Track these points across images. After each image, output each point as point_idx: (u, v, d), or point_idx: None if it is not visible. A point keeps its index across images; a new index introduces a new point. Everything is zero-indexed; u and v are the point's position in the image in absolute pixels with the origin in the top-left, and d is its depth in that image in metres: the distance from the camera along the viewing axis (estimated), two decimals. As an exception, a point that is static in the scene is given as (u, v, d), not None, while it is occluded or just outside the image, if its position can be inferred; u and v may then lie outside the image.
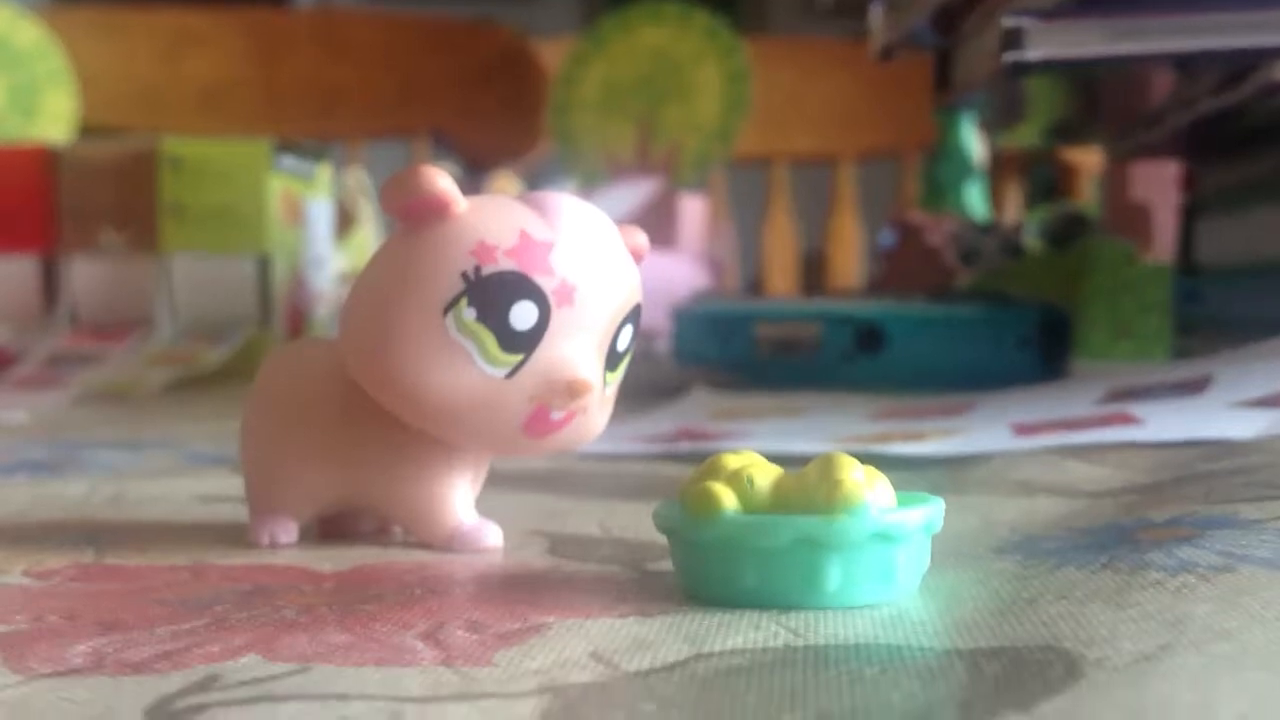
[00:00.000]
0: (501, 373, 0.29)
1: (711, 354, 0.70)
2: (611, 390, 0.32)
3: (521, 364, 0.30)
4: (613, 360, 0.31)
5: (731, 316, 0.71)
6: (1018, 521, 0.33)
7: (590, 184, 1.15)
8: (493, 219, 0.30)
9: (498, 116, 1.42)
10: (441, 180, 0.29)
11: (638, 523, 0.34)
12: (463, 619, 0.25)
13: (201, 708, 0.20)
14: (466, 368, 0.29)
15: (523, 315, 0.29)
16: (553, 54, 1.34)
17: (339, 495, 0.32)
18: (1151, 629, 0.22)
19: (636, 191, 1.11)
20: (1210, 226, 0.70)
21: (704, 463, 0.27)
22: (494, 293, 0.29)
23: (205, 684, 0.21)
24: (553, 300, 0.29)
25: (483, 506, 0.33)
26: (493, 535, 0.32)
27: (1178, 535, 0.29)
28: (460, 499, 0.32)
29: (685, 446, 0.47)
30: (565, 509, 0.37)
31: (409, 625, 0.25)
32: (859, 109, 1.49)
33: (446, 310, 0.29)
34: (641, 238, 0.32)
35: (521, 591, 0.28)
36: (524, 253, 0.29)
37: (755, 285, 1.51)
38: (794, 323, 0.69)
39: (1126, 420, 0.45)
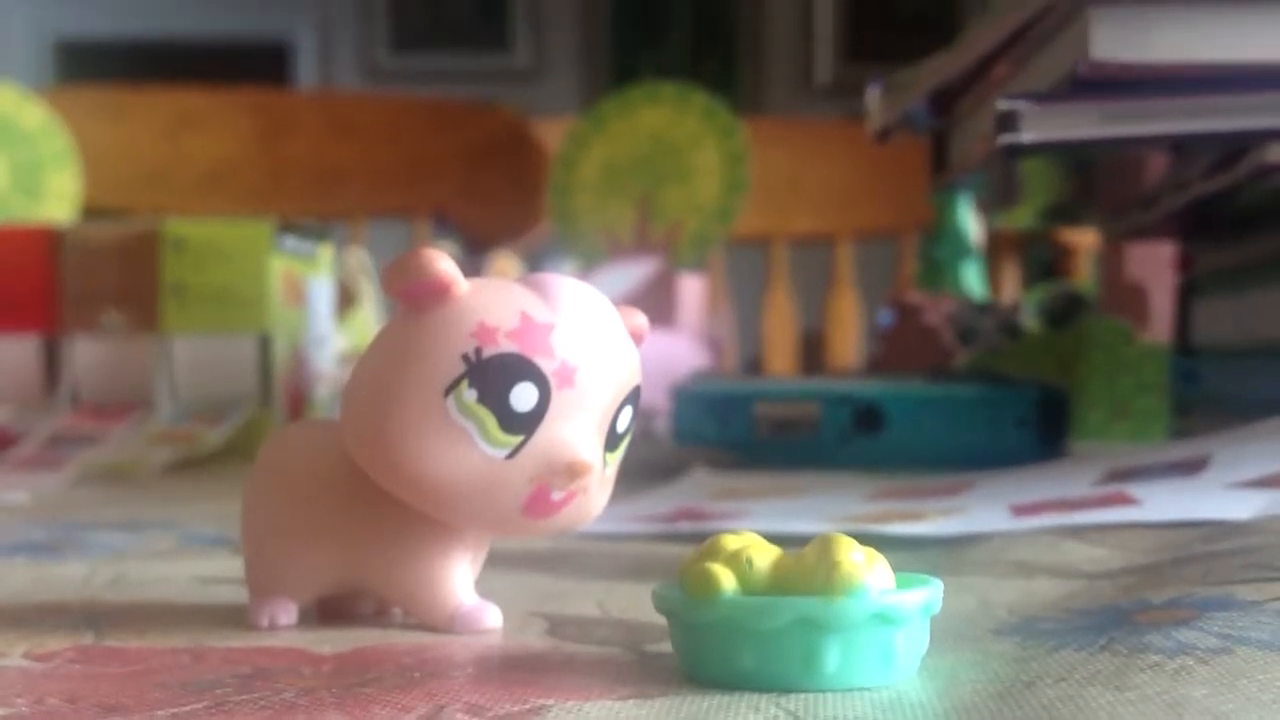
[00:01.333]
0: (502, 454, 0.30)
1: (711, 434, 0.70)
2: (611, 471, 0.32)
3: (522, 445, 0.30)
4: (612, 441, 0.31)
5: (731, 396, 0.71)
6: (1016, 603, 0.33)
7: (590, 264, 1.16)
8: (494, 301, 0.30)
9: (499, 197, 1.43)
10: (443, 263, 0.29)
11: (637, 603, 0.34)
12: (462, 701, 0.25)
13: (201, 791, 0.20)
14: (467, 449, 0.29)
15: (523, 397, 0.29)
16: (553, 135, 1.35)
17: (339, 576, 0.33)
18: (1150, 712, 0.22)
19: (636, 271, 1.12)
20: (1207, 307, 0.70)
21: (703, 543, 0.27)
22: (495, 374, 0.29)
23: (205, 767, 0.21)
24: (553, 382, 0.30)
25: (482, 587, 0.33)
26: (492, 616, 0.32)
27: (1176, 617, 0.29)
28: (460, 580, 0.32)
29: (684, 526, 0.47)
30: (564, 589, 0.37)
31: (408, 708, 0.25)
32: (857, 189, 1.50)
33: (447, 392, 0.29)
34: (641, 319, 0.33)
35: (521, 673, 0.28)
36: (525, 335, 0.29)
37: (754, 365, 1.52)
38: (793, 403, 0.69)
39: (1125, 501, 0.45)
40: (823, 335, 1.54)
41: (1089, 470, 0.52)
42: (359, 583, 0.33)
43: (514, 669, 0.28)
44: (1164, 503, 0.44)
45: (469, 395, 0.29)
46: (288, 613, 0.33)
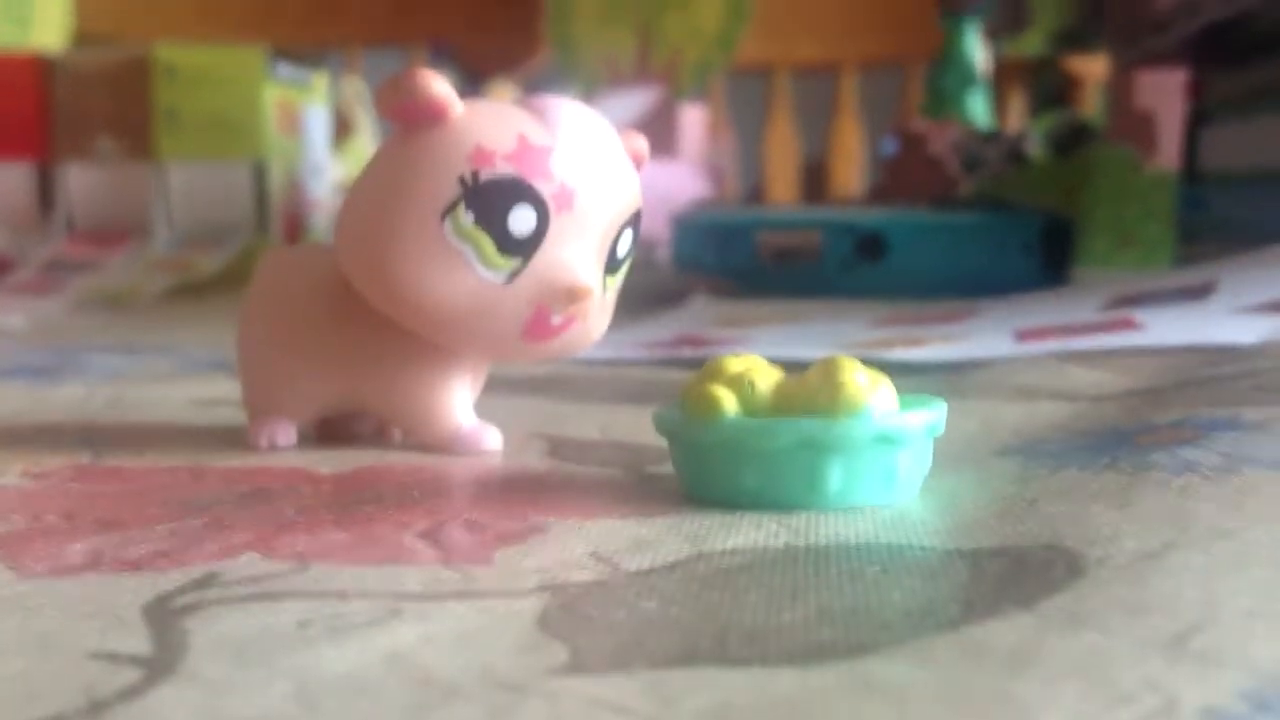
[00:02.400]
0: (500, 277, 0.29)
1: (712, 262, 0.70)
2: (611, 295, 0.32)
3: (520, 269, 0.29)
4: (612, 265, 0.31)
5: (732, 225, 0.70)
6: (1019, 425, 0.33)
7: (590, 93, 1.14)
8: (490, 123, 0.29)
9: (497, 24, 1.40)
10: (438, 84, 0.29)
11: (638, 427, 0.34)
12: (462, 519, 0.25)
13: (200, 605, 0.20)
14: (465, 272, 0.29)
15: (521, 220, 0.29)
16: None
17: (337, 398, 0.32)
18: (1154, 528, 0.22)
19: (637, 100, 1.10)
20: (1215, 134, 0.69)
21: (705, 366, 0.27)
22: (492, 197, 0.29)
23: (204, 582, 0.21)
24: (552, 205, 0.29)
25: (483, 410, 0.33)
26: (492, 438, 0.32)
27: (1181, 437, 0.29)
28: (459, 402, 0.32)
29: (686, 352, 0.47)
30: (565, 413, 0.37)
31: (408, 525, 0.25)
32: (862, 16, 1.47)
33: (444, 215, 0.29)
34: (642, 143, 0.32)
35: (521, 493, 0.27)
36: (522, 157, 0.29)
37: (756, 194, 1.51)
38: (795, 231, 0.68)
39: (1129, 325, 0.45)
40: (825, 164, 1.52)
41: (1094, 296, 0.52)
42: (357, 404, 0.33)
43: (514, 488, 0.28)
44: (1169, 327, 0.43)
45: (466, 218, 0.29)
46: (286, 433, 0.32)
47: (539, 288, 0.29)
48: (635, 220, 0.31)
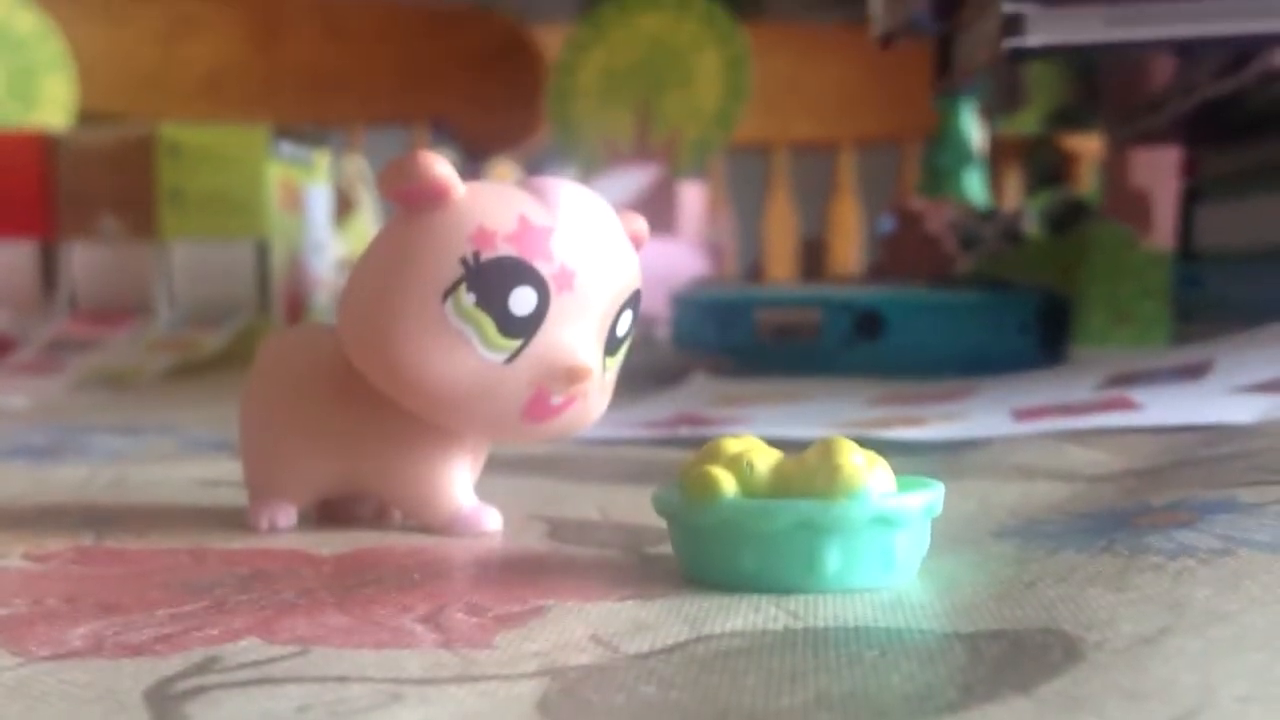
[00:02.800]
0: (501, 358, 0.29)
1: (711, 340, 0.70)
2: (611, 376, 0.32)
3: (521, 349, 0.29)
4: (612, 345, 0.31)
5: (731, 303, 0.70)
6: (1017, 506, 0.33)
7: (589, 171, 1.15)
8: (492, 204, 0.30)
9: (497, 103, 1.41)
10: (440, 165, 0.29)
11: (637, 507, 0.34)
12: (463, 602, 0.25)
13: (201, 690, 0.20)
14: (466, 353, 0.29)
15: (522, 300, 0.29)
16: (552, 40, 1.34)
17: (338, 480, 0.32)
18: (1151, 612, 0.22)
19: (636, 178, 1.11)
20: (1210, 212, 0.69)
21: (704, 447, 0.27)
22: (494, 278, 0.29)
23: (205, 666, 0.21)
24: (552, 286, 0.29)
25: (482, 490, 0.33)
26: (492, 519, 0.32)
27: (1177, 520, 0.29)
28: (459, 483, 0.32)
29: (685, 432, 0.47)
30: (565, 493, 0.37)
31: (409, 608, 0.25)
32: (859, 95, 1.49)
33: (446, 296, 0.29)
34: (641, 223, 0.32)
35: (521, 575, 0.28)
36: (523, 238, 0.29)
37: (755, 272, 1.51)
38: (794, 309, 0.69)
39: (1126, 405, 0.45)
40: (824, 242, 1.53)
41: (1090, 375, 0.52)
42: (358, 485, 0.33)
43: (514, 570, 0.28)
44: (1166, 407, 0.44)
45: (467, 299, 0.29)
46: (287, 515, 0.33)
47: (539, 368, 0.30)
48: (635, 300, 0.31)
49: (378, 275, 0.30)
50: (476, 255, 0.29)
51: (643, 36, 1.22)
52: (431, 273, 0.29)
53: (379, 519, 0.34)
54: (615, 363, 0.32)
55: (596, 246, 0.30)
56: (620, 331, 0.31)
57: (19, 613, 0.25)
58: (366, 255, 0.31)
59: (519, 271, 0.29)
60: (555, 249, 0.29)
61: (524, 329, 0.29)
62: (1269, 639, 0.21)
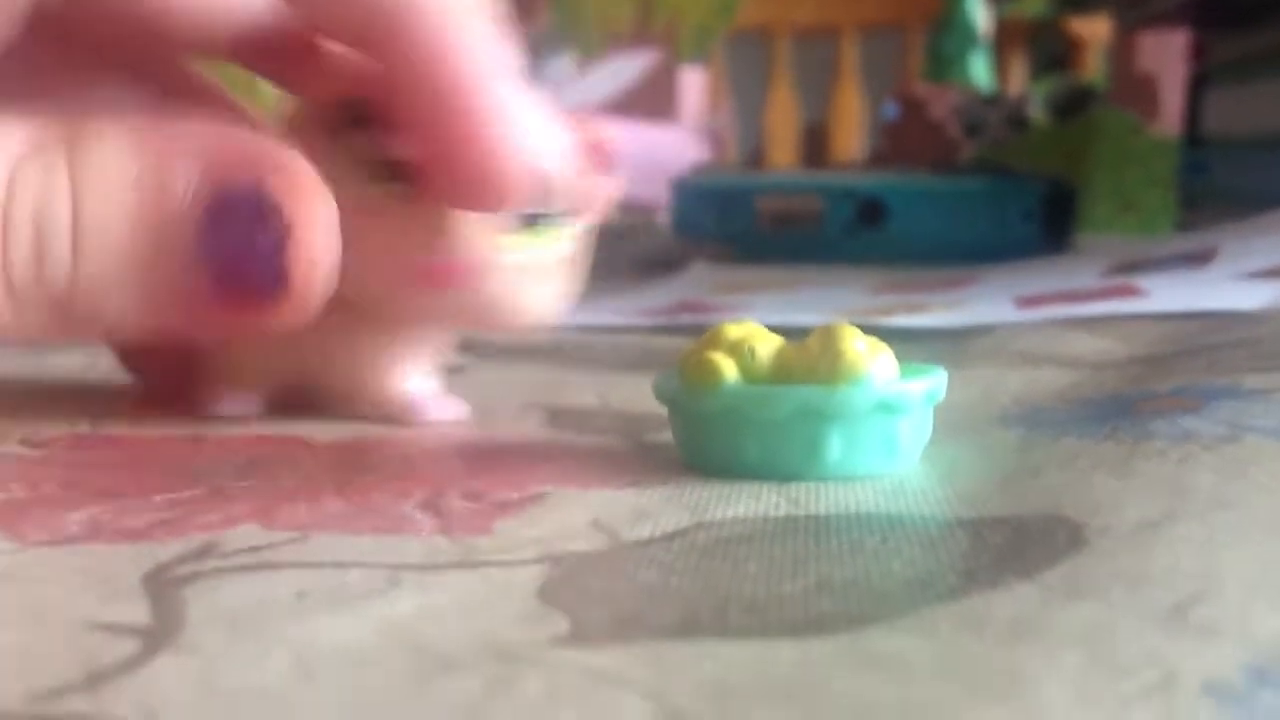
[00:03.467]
0: (380, 194, 0.28)
1: (711, 228, 0.70)
2: (539, 261, 0.29)
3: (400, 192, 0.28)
4: (529, 220, 0.29)
5: (732, 190, 0.70)
6: (1020, 393, 0.33)
7: (589, 56, 1.14)
8: None
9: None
10: None
11: (637, 394, 0.34)
12: (461, 489, 0.25)
13: (199, 575, 0.20)
14: (353, 185, 0.27)
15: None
16: (551, -78, 1.31)
17: (287, 373, 0.32)
18: (1155, 498, 0.22)
19: (635, 64, 1.10)
20: (1218, 98, 0.69)
21: (704, 334, 0.27)
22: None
23: (203, 551, 0.21)
24: None
25: (478, 377, 0.33)
26: (449, 408, 0.31)
27: (1181, 406, 0.29)
28: (404, 369, 0.31)
29: (685, 319, 0.47)
30: (564, 380, 0.37)
31: (407, 495, 0.24)
32: (862, -21, 1.47)
33: (333, 130, 0.28)
34: (603, 133, 0.30)
35: (520, 461, 0.27)
36: None
37: (756, 159, 1.50)
38: (795, 196, 0.68)
39: (1130, 292, 0.45)
40: (826, 129, 1.52)
41: (1095, 262, 0.52)
42: (307, 378, 0.32)
43: (513, 457, 0.28)
44: (1170, 294, 0.43)
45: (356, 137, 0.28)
46: (244, 402, 0.32)
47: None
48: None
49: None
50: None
51: (643, -81, 1.20)
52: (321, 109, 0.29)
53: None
54: (541, 245, 0.29)
55: None
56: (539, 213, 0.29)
57: (15, 499, 0.24)
58: None
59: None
60: None
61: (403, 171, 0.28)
62: (1273, 525, 0.21)
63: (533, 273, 0.29)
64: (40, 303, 0.25)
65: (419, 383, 0.32)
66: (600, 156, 0.30)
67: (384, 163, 0.28)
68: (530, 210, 0.28)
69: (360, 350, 0.31)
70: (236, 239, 0.26)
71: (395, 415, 0.31)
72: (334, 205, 0.27)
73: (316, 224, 0.27)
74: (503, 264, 0.29)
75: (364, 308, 0.29)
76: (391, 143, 0.27)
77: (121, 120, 0.27)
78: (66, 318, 0.26)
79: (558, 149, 0.29)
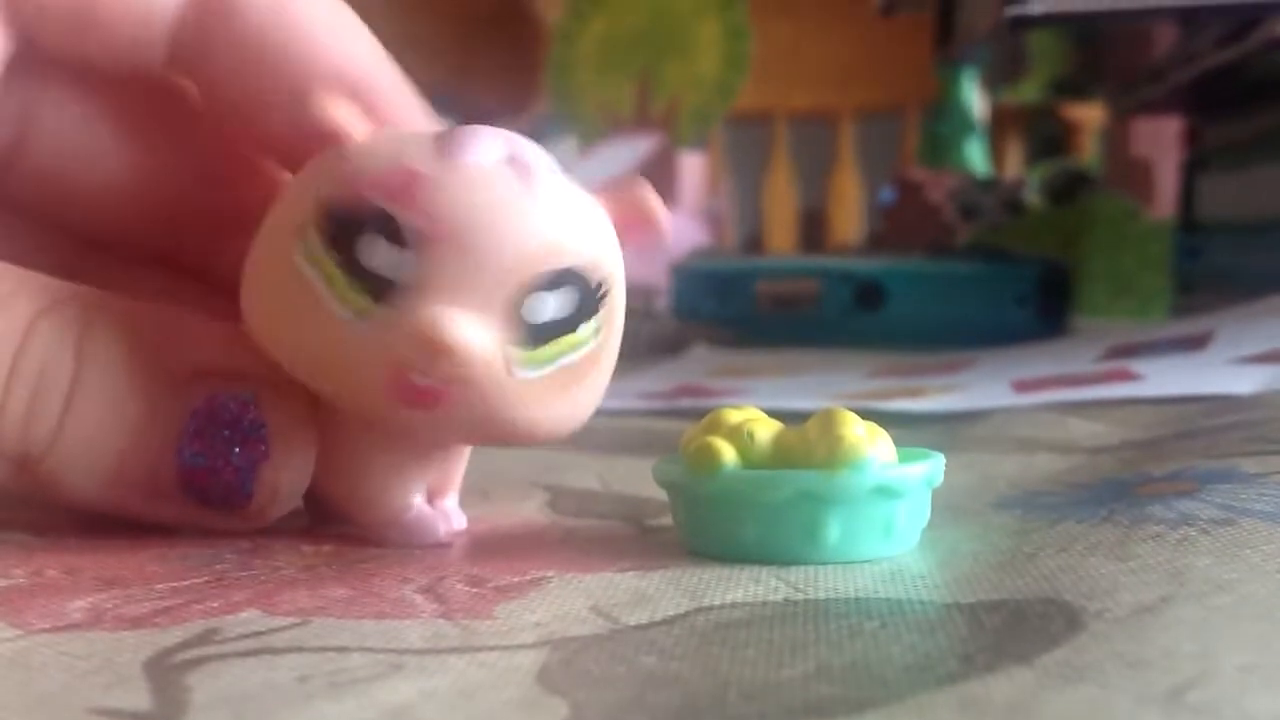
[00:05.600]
0: (350, 316, 0.25)
1: (711, 311, 0.70)
2: (543, 378, 0.26)
3: (374, 311, 0.24)
4: (531, 337, 0.25)
5: (731, 273, 0.70)
6: (1017, 477, 0.33)
7: (589, 141, 1.15)
8: (378, 146, 0.25)
9: (496, 72, 1.41)
10: (334, 108, 0.25)
11: (637, 478, 0.34)
12: (462, 573, 0.25)
13: (201, 660, 0.20)
14: (315, 306, 0.25)
15: (374, 250, 0.24)
16: (551, 7, 1.33)
17: None
18: (1152, 581, 0.22)
19: (635, 148, 1.11)
20: (1212, 183, 0.69)
21: (704, 418, 0.27)
22: (342, 220, 0.25)
23: (205, 637, 0.21)
24: (415, 239, 0.24)
25: (480, 457, 0.33)
26: (443, 525, 0.28)
27: (1178, 489, 0.29)
28: (402, 485, 0.28)
29: (685, 403, 0.47)
30: (564, 463, 0.37)
31: (408, 580, 0.25)
32: (860, 64, 1.48)
33: (297, 238, 0.25)
34: (640, 197, 0.27)
35: (521, 545, 0.28)
36: (391, 182, 0.24)
37: (755, 242, 1.51)
38: (794, 279, 0.68)
39: (1127, 376, 0.45)
40: (824, 213, 1.53)
41: (1091, 346, 0.52)
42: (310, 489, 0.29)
43: (514, 541, 0.28)
44: (1166, 378, 0.44)
45: (315, 242, 0.25)
46: None
47: (396, 336, 0.24)
48: (560, 282, 0.25)
49: (260, 233, 0.27)
50: (333, 196, 0.25)
51: (643, 4, 1.21)
52: (289, 215, 0.25)
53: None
54: (544, 361, 0.26)
55: (496, 205, 0.25)
56: (535, 318, 0.25)
57: (19, 585, 0.25)
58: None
59: (372, 216, 0.24)
60: (427, 198, 0.24)
61: (378, 286, 0.24)
62: (1270, 608, 0.21)
63: (545, 384, 0.26)
64: (14, 457, 0.26)
65: (409, 496, 0.28)
66: (646, 228, 0.27)
67: (366, 277, 0.25)
68: (542, 319, 0.25)
69: (362, 463, 0.28)
70: (215, 446, 0.27)
71: (382, 532, 0.28)
72: (314, 435, 0.27)
73: (293, 452, 0.27)
74: (504, 382, 0.25)
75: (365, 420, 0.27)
76: (376, 249, 0.25)
77: (138, 302, 0.27)
78: (30, 476, 0.27)
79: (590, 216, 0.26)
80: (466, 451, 0.30)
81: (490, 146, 0.25)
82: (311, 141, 0.26)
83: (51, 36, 0.28)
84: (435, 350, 0.24)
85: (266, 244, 0.26)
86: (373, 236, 0.24)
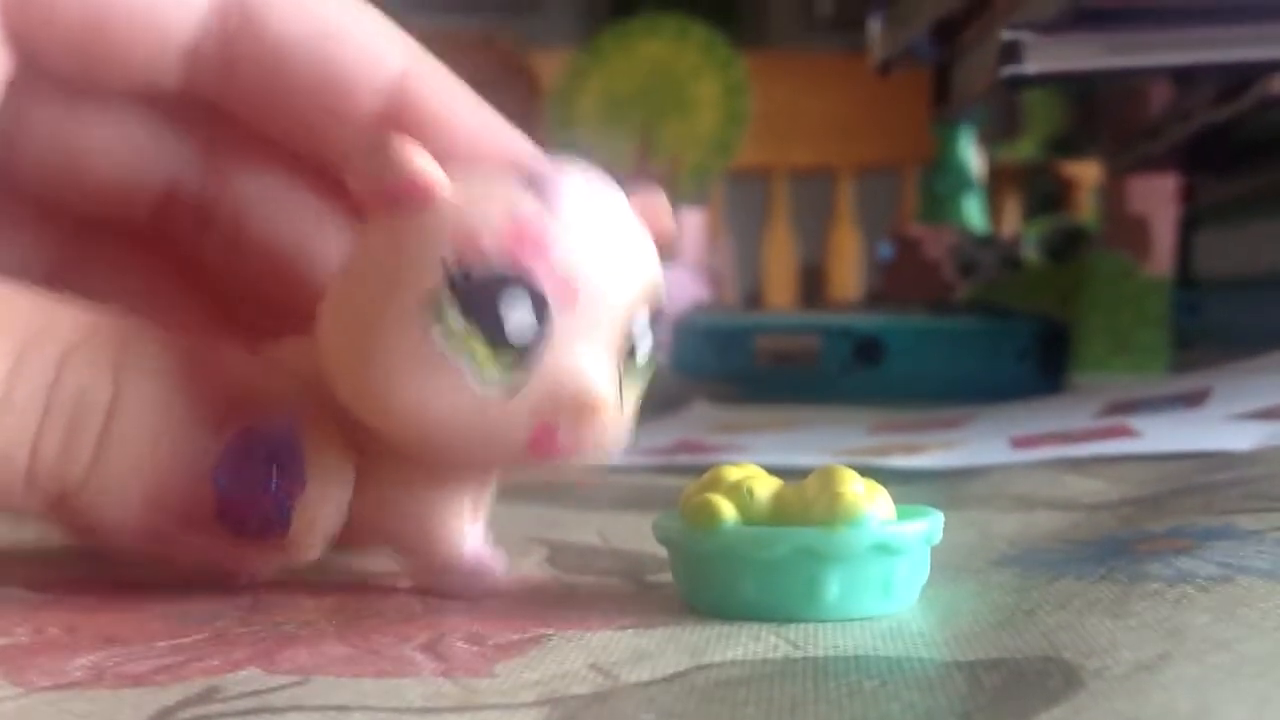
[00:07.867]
0: (499, 390, 0.25)
1: (710, 366, 0.70)
2: (631, 400, 0.27)
3: (519, 376, 0.25)
4: (631, 368, 0.26)
5: (730, 329, 0.71)
6: (1016, 534, 0.33)
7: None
8: (478, 200, 0.24)
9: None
10: (420, 158, 0.24)
11: (637, 534, 0.34)
12: (462, 631, 0.25)
13: (202, 719, 0.20)
14: (457, 386, 0.24)
15: (520, 321, 0.24)
16: (551, 67, 1.34)
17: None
18: (1150, 639, 0.22)
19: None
20: (1209, 239, 0.70)
21: (704, 474, 0.27)
22: (484, 296, 0.24)
23: (205, 696, 0.21)
24: (554, 299, 0.24)
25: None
26: (498, 561, 0.28)
27: (1176, 546, 0.29)
28: (456, 519, 0.28)
29: (684, 459, 0.47)
30: (564, 519, 0.37)
31: (409, 638, 0.25)
32: (858, 122, 1.49)
33: (431, 318, 0.24)
34: (660, 209, 0.27)
35: (521, 603, 0.28)
36: (516, 241, 0.24)
37: (754, 298, 1.52)
38: (793, 335, 0.69)
39: (1125, 433, 0.45)
40: (823, 269, 1.53)
41: (1089, 403, 0.52)
42: (359, 537, 0.29)
43: (514, 599, 0.28)
44: (1164, 434, 0.44)
45: (455, 323, 0.24)
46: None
47: (544, 400, 0.25)
48: (654, 308, 0.26)
49: (355, 295, 0.25)
50: (464, 269, 0.24)
51: (642, 63, 1.22)
52: (413, 292, 0.24)
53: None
54: (635, 387, 0.27)
55: (613, 252, 0.25)
56: (640, 349, 0.26)
57: (19, 643, 0.25)
58: (344, 270, 0.26)
59: (508, 278, 0.24)
60: (558, 255, 0.24)
61: (524, 355, 0.24)
62: (1268, 666, 0.21)
63: (626, 414, 0.27)
64: (50, 493, 0.26)
65: (468, 537, 0.28)
66: (661, 234, 0.27)
67: (506, 343, 0.24)
68: (641, 354, 0.26)
69: (409, 498, 0.27)
70: (253, 475, 0.26)
71: (442, 574, 0.28)
72: (351, 468, 0.27)
73: (329, 483, 0.27)
74: (618, 418, 0.26)
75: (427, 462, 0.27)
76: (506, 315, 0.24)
77: (172, 333, 0.27)
78: (66, 509, 0.26)
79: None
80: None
81: (582, 188, 0.25)
82: (392, 200, 0.25)
83: (57, 56, 0.28)
84: (589, 410, 0.25)
85: (388, 330, 0.24)
86: (510, 300, 0.24)
